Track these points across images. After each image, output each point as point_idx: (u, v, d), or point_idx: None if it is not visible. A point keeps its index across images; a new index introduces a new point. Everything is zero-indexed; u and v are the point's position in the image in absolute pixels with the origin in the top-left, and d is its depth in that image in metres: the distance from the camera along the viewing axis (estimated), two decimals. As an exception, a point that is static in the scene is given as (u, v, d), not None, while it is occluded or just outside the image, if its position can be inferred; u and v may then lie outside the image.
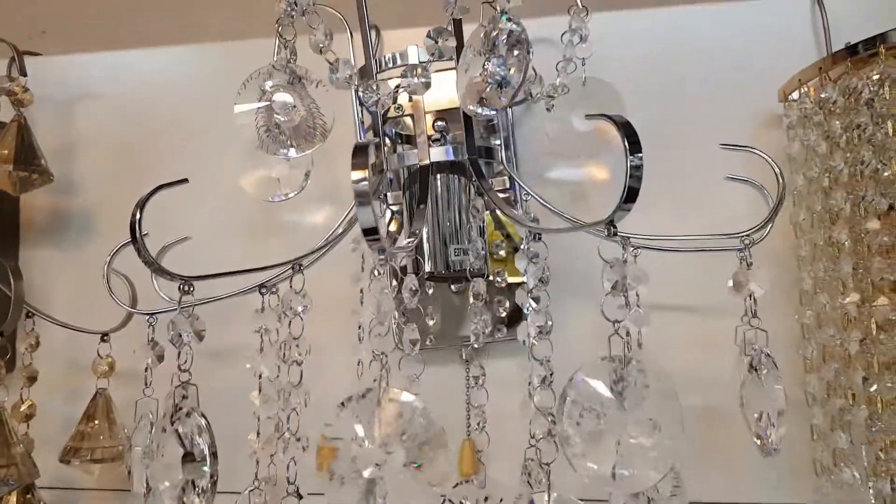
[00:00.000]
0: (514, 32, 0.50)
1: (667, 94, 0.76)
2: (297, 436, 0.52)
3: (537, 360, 0.59)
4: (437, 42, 0.53)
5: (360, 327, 0.67)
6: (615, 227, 0.52)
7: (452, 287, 0.73)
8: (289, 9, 0.55)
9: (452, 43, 0.53)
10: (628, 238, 0.54)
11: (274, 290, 0.62)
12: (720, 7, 0.78)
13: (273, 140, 0.57)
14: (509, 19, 0.50)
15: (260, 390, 0.60)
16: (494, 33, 0.50)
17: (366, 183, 0.39)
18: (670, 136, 0.74)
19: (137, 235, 0.45)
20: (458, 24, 0.57)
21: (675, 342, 0.70)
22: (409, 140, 0.68)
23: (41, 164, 0.79)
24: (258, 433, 0.59)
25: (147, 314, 0.58)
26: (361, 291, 0.68)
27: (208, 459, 0.42)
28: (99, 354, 0.73)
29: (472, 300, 0.62)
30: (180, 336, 0.44)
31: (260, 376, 0.61)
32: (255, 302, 0.63)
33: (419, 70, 0.53)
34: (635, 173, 0.47)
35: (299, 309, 0.52)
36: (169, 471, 0.42)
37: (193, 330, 0.44)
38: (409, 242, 0.51)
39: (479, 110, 0.51)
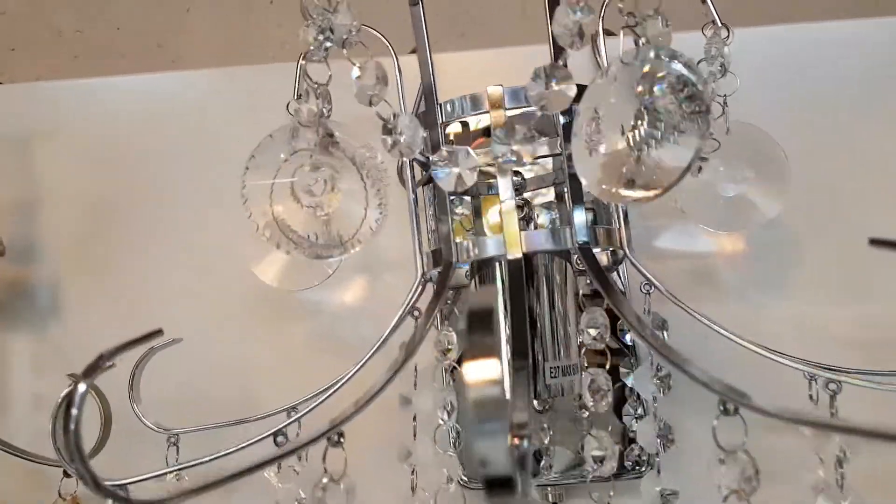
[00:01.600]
0: (685, 81, 0.31)
1: (819, 130, 0.57)
2: None
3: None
4: (548, 83, 0.34)
5: (413, 472, 0.49)
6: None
7: (536, 403, 0.55)
8: (321, 39, 0.36)
9: (571, 90, 0.34)
10: (838, 383, 0.35)
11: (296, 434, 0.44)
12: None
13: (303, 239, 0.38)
14: (675, 58, 0.31)
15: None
16: (649, 83, 0.31)
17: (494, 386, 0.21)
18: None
19: (71, 427, 0.27)
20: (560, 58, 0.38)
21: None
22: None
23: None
24: None
25: (109, 489, 0.39)
26: (415, 419, 0.50)
27: None
28: (60, 496, 0.55)
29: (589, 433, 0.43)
30: None
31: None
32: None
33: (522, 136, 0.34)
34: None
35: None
36: None
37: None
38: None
39: (631, 193, 0.32)
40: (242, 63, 0.71)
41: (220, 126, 0.67)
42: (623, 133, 0.31)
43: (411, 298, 0.47)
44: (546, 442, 0.54)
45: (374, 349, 0.45)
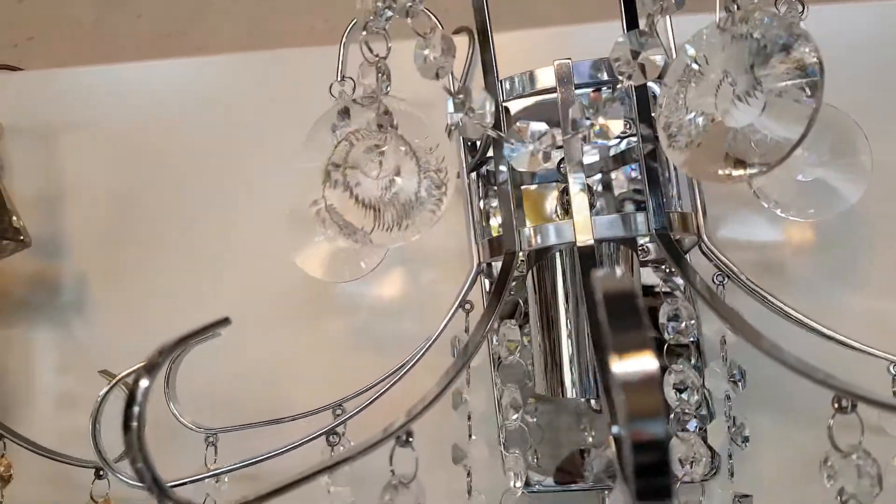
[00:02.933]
0: (798, 48, 0.28)
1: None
2: None
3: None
4: (637, 51, 0.31)
5: (468, 473, 0.46)
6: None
7: (592, 402, 0.52)
8: (381, 5, 0.33)
9: (659, 58, 0.31)
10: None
11: (343, 433, 0.41)
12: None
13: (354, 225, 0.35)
14: (784, 24, 0.28)
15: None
16: (759, 43, 0.28)
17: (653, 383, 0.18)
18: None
19: (133, 424, 0.24)
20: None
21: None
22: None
23: (13, 225, 0.58)
24: None
25: (174, 493, 0.37)
26: (469, 418, 0.47)
27: None
28: (93, 498, 0.52)
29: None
30: None
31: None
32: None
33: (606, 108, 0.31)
34: None
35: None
36: None
37: None
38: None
39: (738, 172, 0.29)
40: (272, 48, 0.69)
41: (250, 113, 0.65)
42: (728, 100, 0.28)
43: (465, 290, 0.45)
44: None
45: (429, 344, 0.42)
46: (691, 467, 0.36)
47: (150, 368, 0.25)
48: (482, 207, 0.44)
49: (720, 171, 0.30)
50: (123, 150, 0.66)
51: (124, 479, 0.40)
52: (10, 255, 0.59)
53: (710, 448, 0.46)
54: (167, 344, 0.25)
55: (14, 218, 0.58)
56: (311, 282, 0.58)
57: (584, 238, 0.38)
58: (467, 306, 0.46)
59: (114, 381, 0.39)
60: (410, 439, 0.32)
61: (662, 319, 0.38)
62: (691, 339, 0.40)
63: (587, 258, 0.38)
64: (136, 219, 0.65)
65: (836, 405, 0.29)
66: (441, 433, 0.48)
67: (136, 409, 0.25)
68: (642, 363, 0.19)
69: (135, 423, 0.25)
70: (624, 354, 0.19)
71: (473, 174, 0.46)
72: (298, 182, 0.43)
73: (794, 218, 0.44)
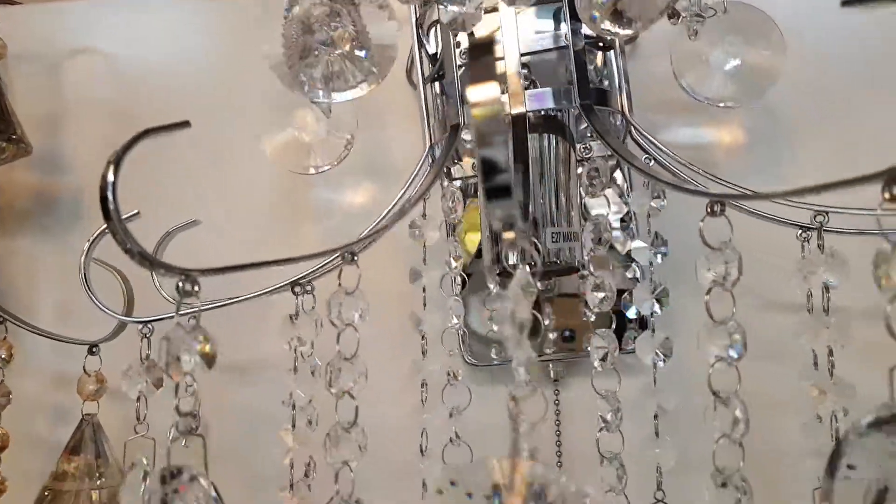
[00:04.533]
0: None
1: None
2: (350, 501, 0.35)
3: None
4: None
5: (423, 338, 0.51)
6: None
7: (539, 285, 0.57)
8: None
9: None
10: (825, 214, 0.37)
11: (309, 288, 0.46)
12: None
13: (307, 76, 0.40)
14: None
15: (293, 425, 0.45)
16: None
17: (496, 104, 0.23)
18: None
19: (111, 207, 0.29)
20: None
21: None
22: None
23: (16, 133, 0.63)
24: (292, 486, 0.43)
25: (140, 322, 0.42)
26: (424, 290, 0.52)
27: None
28: (85, 371, 0.57)
29: (591, 294, 0.45)
30: (179, 360, 0.28)
31: (293, 406, 0.45)
32: (284, 305, 0.48)
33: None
34: None
35: (355, 317, 0.36)
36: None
37: (200, 351, 0.28)
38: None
39: (617, 29, 0.34)
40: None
41: (241, 41, 0.69)
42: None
43: (418, 167, 0.50)
44: (547, 322, 0.57)
45: (392, 207, 0.47)
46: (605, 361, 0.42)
47: (115, 161, 0.30)
48: (435, 92, 0.49)
49: (606, 27, 0.34)
50: (123, 75, 0.71)
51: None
52: (11, 161, 0.64)
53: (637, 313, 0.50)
54: (129, 139, 0.29)
55: (17, 128, 0.63)
56: (289, 191, 0.64)
57: (518, 107, 0.43)
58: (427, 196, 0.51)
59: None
60: (355, 258, 0.37)
61: (584, 180, 0.44)
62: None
63: (521, 125, 0.43)
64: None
65: (709, 210, 0.34)
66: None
67: (109, 199, 0.30)
68: (488, 89, 0.24)
69: (112, 209, 0.30)
70: (475, 84, 0.24)
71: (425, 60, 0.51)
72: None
73: (725, 105, 0.49)
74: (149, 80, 0.71)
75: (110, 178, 0.30)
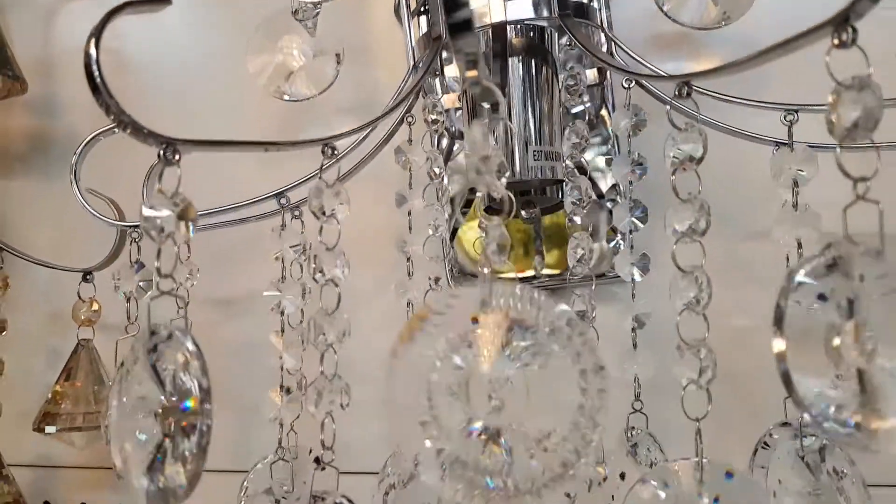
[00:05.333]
0: None
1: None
2: (334, 378, 0.36)
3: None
4: None
5: (408, 259, 0.52)
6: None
7: (524, 213, 0.58)
8: None
9: None
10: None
11: (298, 213, 0.47)
12: None
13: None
14: None
15: (283, 331, 0.46)
16: None
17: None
18: None
19: (97, 81, 0.30)
20: None
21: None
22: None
23: (13, 71, 0.64)
24: (282, 387, 0.45)
25: (129, 226, 0.43)
26: (410, 214, 0.53)
27: (197, 396, 0.26)
28: (80, 297, 0.58)
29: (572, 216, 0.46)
30: (161, 227, 0.28)
31: (283, 313, 0.46)
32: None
33: None
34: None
35: (336, 207, 0.37)
36: (139, 425, 0.27)
37: (181, 216, 0.29)
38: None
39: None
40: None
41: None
42: None
43: (404, 82, 0.51)
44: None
45: (385, 112, 0.48)
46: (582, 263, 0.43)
47: (95, 35, 0.31)
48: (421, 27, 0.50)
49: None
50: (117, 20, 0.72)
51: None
52: (7, 97, 0.65)
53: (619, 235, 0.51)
54: (108, 12, 0.30)
55: (14, 66, 0.64)
56: (279, 133, 0.64)
57: (498, 15, 0.44)
58: (410, 118, 0.52)
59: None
60: (336, 153, 0.38)
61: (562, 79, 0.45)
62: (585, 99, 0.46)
63: (501, 35, 0.44)
64: (127, 82, 0.71)
65: (677, 92, 0.35)
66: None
67: (95, 74, 0.31)
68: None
69: (98, 82, 0.31)
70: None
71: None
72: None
73: (711, 28, 0.50)
74: (143, 25, 0.71)
75: (92, 53, 0.30)
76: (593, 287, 0.48)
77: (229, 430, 0.64)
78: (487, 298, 0.26)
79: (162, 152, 0.30)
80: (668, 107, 0.36)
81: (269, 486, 0.45)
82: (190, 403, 0.27)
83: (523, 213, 0.59)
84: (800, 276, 0.24)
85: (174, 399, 0.27)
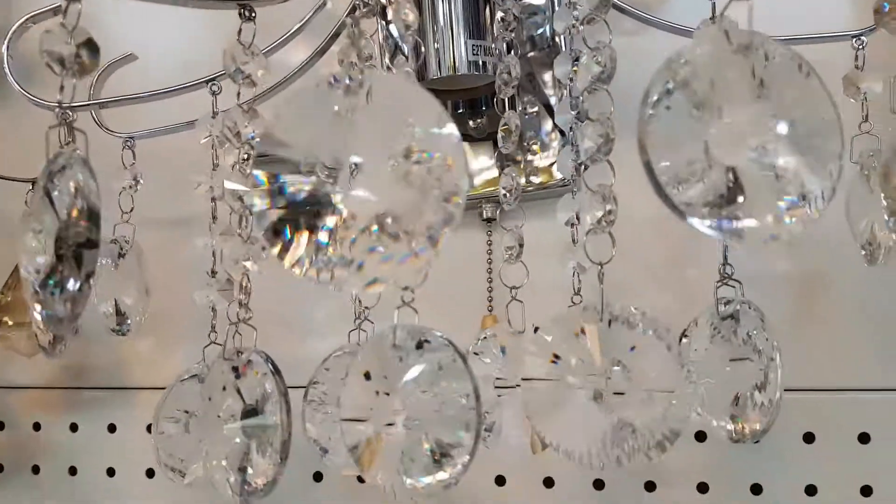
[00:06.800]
0: None
1: None
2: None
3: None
4: None
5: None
6: None
7: (471, 123, 0.57)
8: None
9: None
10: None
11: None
12: None
13: None
14: None
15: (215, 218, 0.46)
16: None
17: None
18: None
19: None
20: None
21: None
22: None
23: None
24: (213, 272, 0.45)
25: (56, 105, 0.42)
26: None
27: (82, 222, 0.26)
28: (27, 205, 0.58)
29: (504, 128, 0.45)
30: (60, 58, 0.28)
31: (213, 200, 0.47)
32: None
33: None
34: None
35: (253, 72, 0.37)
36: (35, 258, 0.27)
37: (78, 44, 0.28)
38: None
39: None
40: None
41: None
42: None
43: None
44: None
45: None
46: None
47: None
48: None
49: None
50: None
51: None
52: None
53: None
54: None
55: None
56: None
57: None
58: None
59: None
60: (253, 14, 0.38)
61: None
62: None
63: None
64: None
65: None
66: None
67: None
68: None
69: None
70: None
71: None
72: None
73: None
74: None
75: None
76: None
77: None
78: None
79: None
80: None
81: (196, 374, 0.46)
82: (81, 224, 0.27)
83: (471, 123, 0.59)
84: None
85: (65, 221, 0.27)
